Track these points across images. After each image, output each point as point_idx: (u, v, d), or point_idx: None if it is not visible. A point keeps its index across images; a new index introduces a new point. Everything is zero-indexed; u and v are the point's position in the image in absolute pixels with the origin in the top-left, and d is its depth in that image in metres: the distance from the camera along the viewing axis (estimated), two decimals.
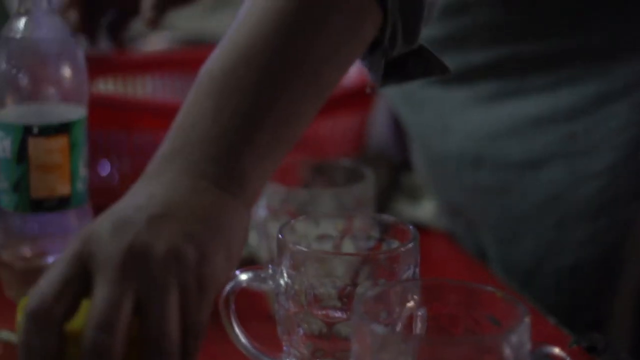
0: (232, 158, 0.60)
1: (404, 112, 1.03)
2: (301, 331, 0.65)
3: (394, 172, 1.05)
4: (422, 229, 0.68)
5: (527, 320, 0.54)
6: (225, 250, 0.58)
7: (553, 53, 0.90)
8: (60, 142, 0.79)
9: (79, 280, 0.56)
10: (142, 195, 0.58)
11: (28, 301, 0.56)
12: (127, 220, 0.56)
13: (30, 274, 0.80)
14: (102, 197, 0.96)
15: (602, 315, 0.91)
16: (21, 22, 0.78)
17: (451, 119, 0.97)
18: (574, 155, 0.90)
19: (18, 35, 0.78)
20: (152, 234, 0.55)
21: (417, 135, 1.04)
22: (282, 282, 0.65)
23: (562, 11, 0.89)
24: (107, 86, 1.17)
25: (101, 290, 0.54)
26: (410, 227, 0.67)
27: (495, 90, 0.93)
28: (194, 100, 0.63)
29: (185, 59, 1.24)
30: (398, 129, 1.15)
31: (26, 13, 0.78)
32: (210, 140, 0.60)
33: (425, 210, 1.01)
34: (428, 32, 0.75)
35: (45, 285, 0.56)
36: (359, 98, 1.08)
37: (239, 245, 0.60)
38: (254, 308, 0.81)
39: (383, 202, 0.99)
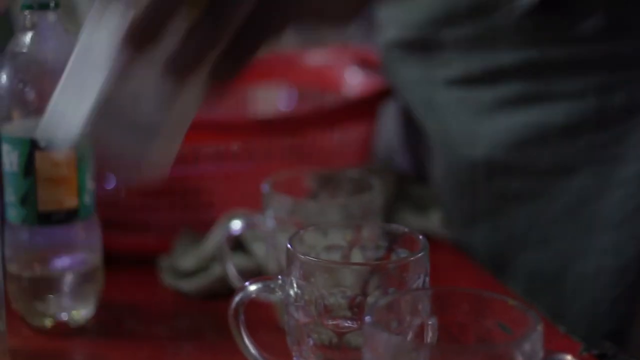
0: None
1: (428, 119, 1.03)
2: (311, 341, 0.65)
3: (400, 182, 1.04)
4: (430, 239, 0.68)
5: (539, 328, 0.54)
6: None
7: (582, 59, 0.90)
8: (67, 156, 0.79)
9: None
10: None
11: None
12: None
13: (37, 287, 0.80)
14: (109, 209, 0.96)
15: (623, 324, 0.91)
16: (27, 37, 0.78)
17: (477, 124, 0.96)
18: (603, 163, 0.90)
19: (24, 50, 0.78)
20: None
21: (441, 142, 1.03)
22: (291, 292, 0.65)
23: (595, 16, 0.89)
24: None
25: None
26: (420, 236, 0.67)
27: (522, 93, 0.92)
28: None
29: None
30: (407, 138, 1.15)
31: (32, 27, 0.78)
32: None
33: (433, 220, 1.01)
34: (458, 30, 0.75)
35: None
36: (365, 108, 1.09)
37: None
38: (262, 319, 0.81)
39: (390, 212, 0.99)
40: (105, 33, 0.53)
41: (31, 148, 0.78)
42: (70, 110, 0.54)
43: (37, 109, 0.78)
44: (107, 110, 0.55)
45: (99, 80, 0.54)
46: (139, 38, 0.53)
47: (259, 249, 0.89)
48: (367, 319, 0.55)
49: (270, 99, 1.26)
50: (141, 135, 0.56)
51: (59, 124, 0.57)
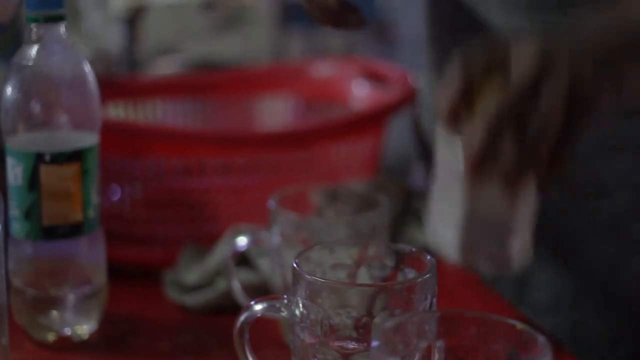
0: None
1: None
2: None
3: (408, 197, 1.04)
4: (435, 255, 0.67)
5: (548, 353, 0.54)
6: (616, 87, 0.71)
7: None
8: (72, 170, 0.78)
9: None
10: (580, 25, 0.73)
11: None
12: (558, 35, 0.71)
13: (41, 300, 0.80)
14: (114, 222, 0.96)
15: None
16: (33, 50, 0.78)
17: None
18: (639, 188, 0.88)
19: (30, 63, 0.78)
20: (569, 51, 0.70)
21: None
22: (297, 312, 0.64)
23: None
24: (117, 110, 1.17)
25: (513, 77, 0.69)
26: (428, 256, 0.67)
27: None
28: None
29: (195, 83, 1.24)
30: (423, 152, 1.12)
31: (38, 40, 0.78)
32: None
33: None
34: (516, 20, 0.84)
35: None
36: (373, 121, 1.08)
37: (629, 93, 0.72)
38: (268, 335, 0.81)
39: (397, 228, 0.98)
40: (455, 157, 0.70)
41: (36, 162, 0.78)
42: (444, 220, 0.70)
43: (42, 122, 0.78)
44: (472, 218, 0.71)
45: (460, 196, 0.71)
46: (479, 165, 0.68)
47: (264, 265, 0.88)
48: (374, 342, 0.54)
49: (277, 110, 1.25)
50: (500, 234, 0.71)
51: (440, 235, 0.74)
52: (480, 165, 0.68)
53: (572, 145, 0.70)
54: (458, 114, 0.70)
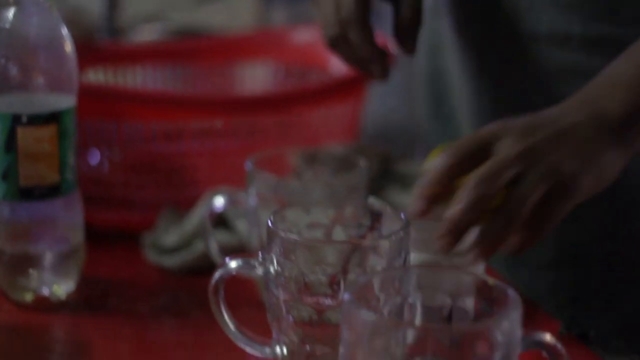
0: (635, 117, 0.74)
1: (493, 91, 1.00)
2: (291, 318, 0.65)
3: (386, 160, 1.04)
4: None
5: (518, 306, 0.54)
6: (593, 177, 0.73)
7: None
8: (49, 131, 0.78)
9: (479, 155, 0.71)
10: (556, 116, 0.74)
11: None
12: (537, 127, 0.72)
13: (19, 262, 0.80)
14: (93, 185, 0.96)
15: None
16: (10, 12, 0.78)
17: (534, 94, 0.95)
18: None
19: (7, 25, 0.78)
20: (549, 144, 0.72)
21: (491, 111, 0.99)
22: (272, 269, 0.65)
23: None
24: (97, 76, 1.17)
25: (496, 159, 0.70)
26: (402, 214, 0.67)
27: (582, 65, 0.90)
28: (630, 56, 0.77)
29: (175, 50, 1.24)
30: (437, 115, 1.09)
31: (15, 3, 0.78)
32: (625, 97, 0.75)
33: None
34: (567, 22, 0.87)
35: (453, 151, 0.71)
36: (352, 87, 1.08)
37: (604, 179, 0.74)
38: (244, 294, 0.81)
39: (375, 191, 0.99)
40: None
41: (13, 123, 0.78)
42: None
43: (19, 84, 0.78)
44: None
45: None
46: (455, 232, 0.69)
47: (241, 226, 0.89)
48: (346, 296, 0.55)
49: (258, 77, 1.25)
50: None
51: None
52: (455, 233, 0.69)
53: (550, 225, 0.72)
54: (437, 194, 0.71)
